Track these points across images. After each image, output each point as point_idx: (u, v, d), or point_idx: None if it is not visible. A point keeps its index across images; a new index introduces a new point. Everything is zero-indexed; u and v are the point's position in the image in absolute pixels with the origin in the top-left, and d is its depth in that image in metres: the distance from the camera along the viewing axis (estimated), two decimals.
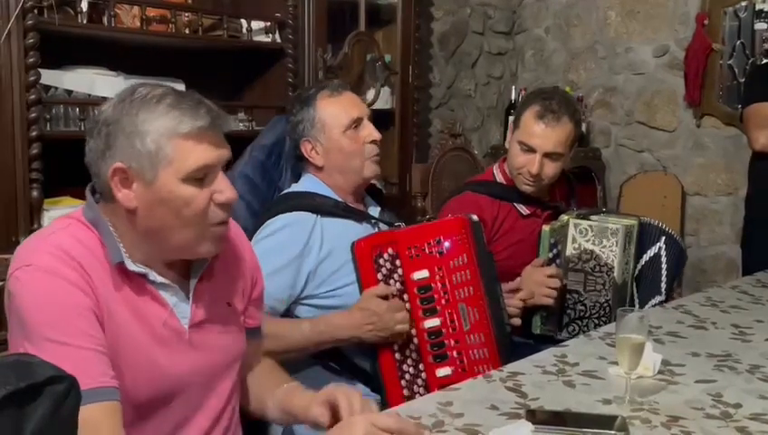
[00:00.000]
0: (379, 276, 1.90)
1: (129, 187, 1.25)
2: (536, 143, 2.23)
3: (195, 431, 1.38)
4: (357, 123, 1.99)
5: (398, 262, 1.92)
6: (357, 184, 2.03)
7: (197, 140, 1.25)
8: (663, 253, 2.25)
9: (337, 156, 1.98)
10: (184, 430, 1.36)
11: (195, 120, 1.24)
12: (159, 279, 1.31)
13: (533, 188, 2.30)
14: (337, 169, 1.99)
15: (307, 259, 1.90)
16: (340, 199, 2.00)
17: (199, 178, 1.26)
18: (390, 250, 1.92)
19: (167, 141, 1.23)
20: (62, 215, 2.31)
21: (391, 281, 1.91)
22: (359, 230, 1.99)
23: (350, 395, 1.32)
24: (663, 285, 2.26)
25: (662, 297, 2.26)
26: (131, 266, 1.28)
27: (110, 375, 1.21)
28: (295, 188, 2.03)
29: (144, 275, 1.30)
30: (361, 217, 2.03)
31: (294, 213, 1.92)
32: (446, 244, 1.93)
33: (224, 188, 1.29)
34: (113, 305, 1.25)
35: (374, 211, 2.10)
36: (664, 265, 2.26)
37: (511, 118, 2.42)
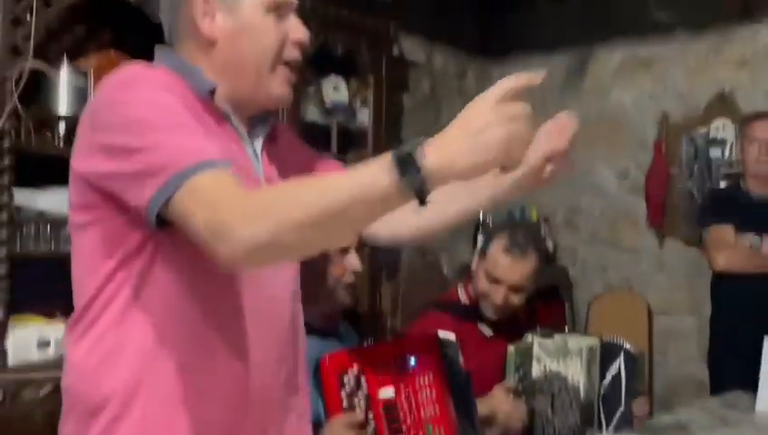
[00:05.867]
0: (343, 394, 1.87)
1: (212, 17, 1.27)
2: (502, 275, 2.30)
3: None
4: None
5: (362, 379, 1.90)
6: None
7: None
8: (623, 369, 2.27)
9: None
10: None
11: None
12: (240, 128, 1.32)
13: (498, 316, 2.36)
14: None
15: None
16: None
17: (278, 12, 1.30)
18: (355, 367, 1.89)
19: None
20: (27, 333, 2.26)
21: (355, 399, 1.88)
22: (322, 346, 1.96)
23: None
24: (622, 398, 2.26)
25: (622, 408, 2.25)
26: (219, 102, 1.28)
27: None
28: None
29: (228, 119, 1.30)
30: (324, 334, 2.02)
31: None
32: (412, 361, 1.92)
33: (299, 28, 1.34)
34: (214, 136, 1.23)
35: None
36: (623, 381, 2.27)
37: (479, 237, 2.48)
